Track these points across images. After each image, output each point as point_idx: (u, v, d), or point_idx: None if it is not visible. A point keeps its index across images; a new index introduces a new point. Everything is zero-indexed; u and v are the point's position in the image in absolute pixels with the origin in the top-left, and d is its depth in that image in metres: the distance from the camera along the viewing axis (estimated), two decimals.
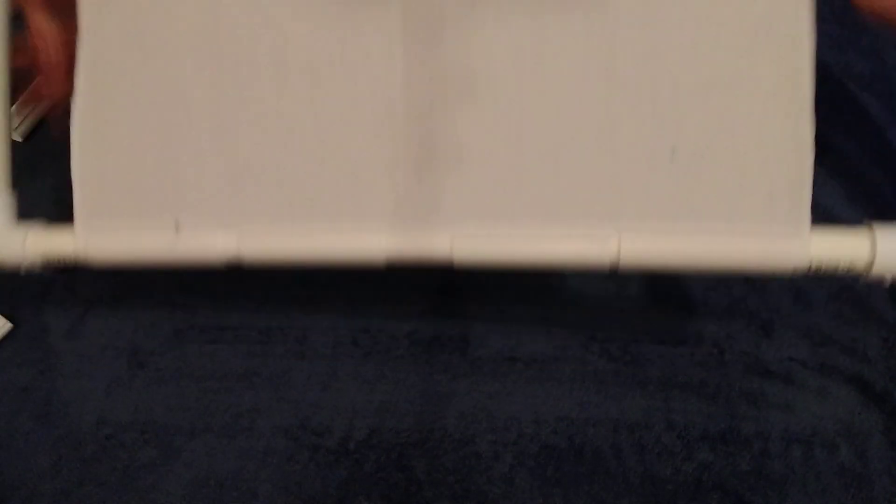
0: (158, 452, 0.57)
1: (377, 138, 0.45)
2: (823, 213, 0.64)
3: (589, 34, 0.42)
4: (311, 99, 0.45)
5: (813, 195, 0.64)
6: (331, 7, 0.44)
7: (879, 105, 0.71)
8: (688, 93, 0.41)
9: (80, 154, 0.51)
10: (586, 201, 0.43)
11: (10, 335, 0.65)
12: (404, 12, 0.43)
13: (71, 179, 0.74)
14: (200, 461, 0.57)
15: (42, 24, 0.52)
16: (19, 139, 0.78)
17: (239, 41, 0.46)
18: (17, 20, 0.58)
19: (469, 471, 0.54)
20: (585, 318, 0.62)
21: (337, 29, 0.44)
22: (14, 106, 0.78)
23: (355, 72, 0.45)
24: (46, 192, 0.74)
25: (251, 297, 0.65)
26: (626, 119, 0.42)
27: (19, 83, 0.55)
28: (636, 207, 0.42)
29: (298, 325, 0.63)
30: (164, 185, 0.48)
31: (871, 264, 0.40)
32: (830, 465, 0.53)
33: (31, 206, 0.74)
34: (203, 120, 0.47)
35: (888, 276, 0.42)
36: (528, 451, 0.55)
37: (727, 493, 0.52)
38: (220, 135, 0.47)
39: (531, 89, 0.43)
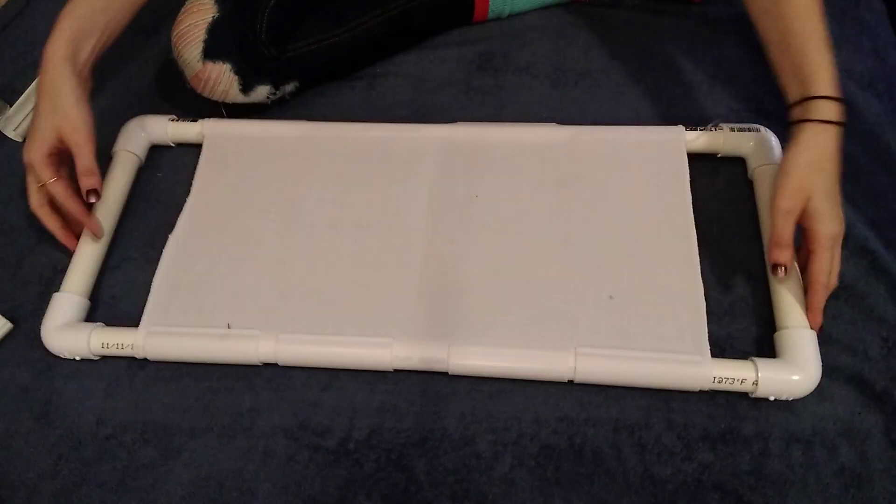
0: (158, 452, 0.57)
1: (399, 275, 0.62)
2: None
3: (553, 215, 0.64)
4: (354, 245, 0.65)
5: None
6: (374, 187, 0.68)
7: (879, 105, 0.71)
8: (619, 259, 0.61)
9: (163, 274, 0.65)
10: (550, 329, 0.58)
11: (10, 335, 0.65)
12: (430, 196, 0.66)
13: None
14: (200, 461, 0.57)
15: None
16: (19, 139, 0.78)
17: (306, 206, 0.67)
18: None
19: (469, 471, 0.54)
20: None
21: (379, 202, 0.67)
22: (14, 106, 0.78)
23: (390, 232, 0.65)
24: None
25: None
26: (578, 272, 0.61)
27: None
28: (586, 336, 0.58)
29: None
30: (223, 299, 0.63)
31: (756, 384, 0.54)
32: (830, 465, 0.53)
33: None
34: (267, 256, 0.65)
35: (770, 396, 0.54)
36: (528, 451, 0.55)
37: (727, 493, 0.52)
38: (277, 267, 0.64)
39: (512, 248, 0.63)
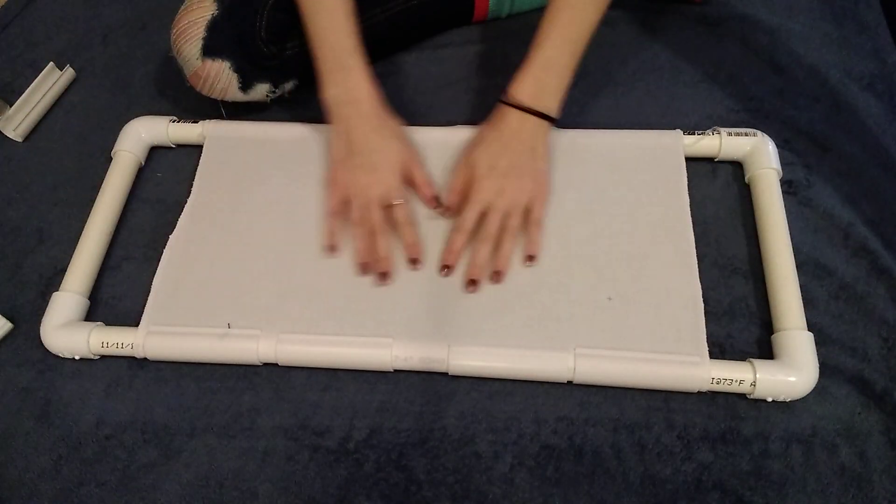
0: (158, 452, 0.57)
1: (399, 276, 0.62)
2: (823, 213, 0.64)
3: (552, 217, 0.64)
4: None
5: (813, 195, 0.64)
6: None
7: (879, 105, 0.71)
8: (618, 261, 0.62)
9: (163, 274, 0.65)
10: (549, 329, 0.59)
11: (10, 335, 0.65)
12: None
13: (69, 178, 0.75)
14: (200, 461, 0.56)
15: None
16: (19, 139, 0.78)
17: (306, 206, 0.67)
18: None
19: (469, 471, 0.54)
20: None
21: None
22: (14, 106, 0.78)
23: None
24: (46, 193, 0.74)
25: None
26: (577, 274, 0.62)
27: None
28: (586, 336, 0.58)
29: None
30: (223, 299, 0.63)
31: (754, 385, 0.54)
32: (830, 465, 0.53)
33: (31, 206, 0.74)
34: (267, 256, 0.65)
35: (768, 397, 0.55)
36: (528, 451, 0.55)
37: (727, 493, 0.52)
38: (277, 267, 0.64)
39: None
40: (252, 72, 0.69)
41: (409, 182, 0.65)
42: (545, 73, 0.61)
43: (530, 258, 0.61)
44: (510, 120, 0.62)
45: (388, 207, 0.62)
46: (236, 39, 0.68)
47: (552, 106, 0.62)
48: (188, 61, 0.68)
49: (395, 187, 0.63)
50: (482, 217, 0.61)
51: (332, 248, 0.64)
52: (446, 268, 0.61)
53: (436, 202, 0.64)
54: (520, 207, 0.61)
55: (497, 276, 0.60)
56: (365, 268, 0.62)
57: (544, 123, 0.62)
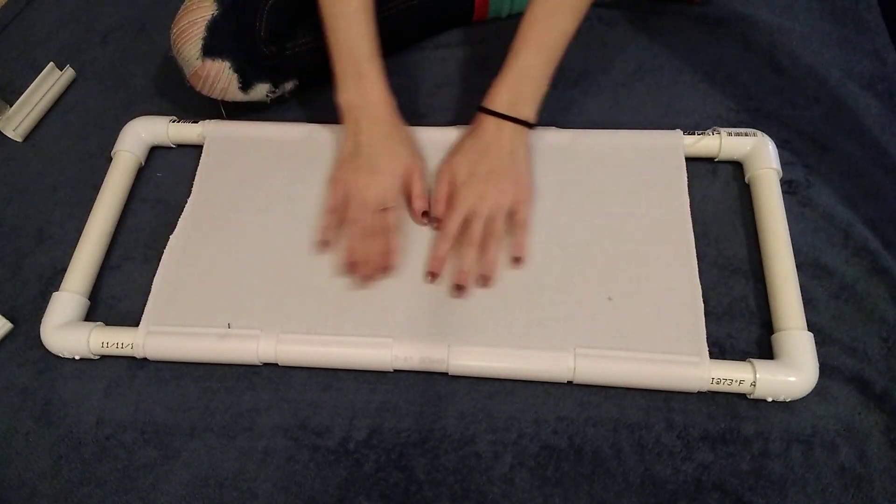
0: (158, 452, 0.57)
1: (399, 276, 0.62)
2: (823, 213, 0.64)
3: (552, 218, 0.64)
4: None
5: (813, 195, 0.64)
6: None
7: (879, 105, 0.71)
8: (618, 261, 0.62)
9: (163, 274, 0.65)
10: (549, 329, 0.59)
11: (10, 335, 0.65)
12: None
13: (69, 179, 0.74)
14: (200, 461, 0.56)
15: None
16: (19, 139, 0.78)
17: (306, 206, 0.67)
18: None
19: (469, 471, 0.54)
20: None
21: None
22: (14, 106, 0.78)
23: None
24: (46, 193, 0.74)
25: None
26: (577, 274, 0.61)
27: None
28: (585, 337, 0.58)
29: None
30: (223, 299, 0.63)
31: (754, 386, 0.54)
32: (830, 465, 0.53)
33: (31, 206, 0.74)
34: (267, 256, 0.65)
35: (768, 397, 0.55)
36: (528, 451, 0.55)
37: (727, 493, 0.52)
38: (277, 267, 0.64)
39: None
40: (252, 72, 0.69)
41: (407, 191, 0.65)
42: (521, 82, 0.62)
43: (517, 260, 0.61)
44: (487, 126, 0.63)
45: (383, 210, 0.62)
46: (236, 39, 0.68)
47: (529, 113, 0.63)
48: (188, 61, 0.68)
49: (391, 191, 0.63)
50: (466, 223, 0.61)
51: (324, 244, 0.64)
52: (431, 274, 0.61)
53: (425, 217, 0.64)
54: (503, 211, 0.61)
55: (484, 280, 0.60)
56: (351, 267, 0.62)
57: (522, 129, 0.63)
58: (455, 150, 0.65)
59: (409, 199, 0.65)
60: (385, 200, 0.62)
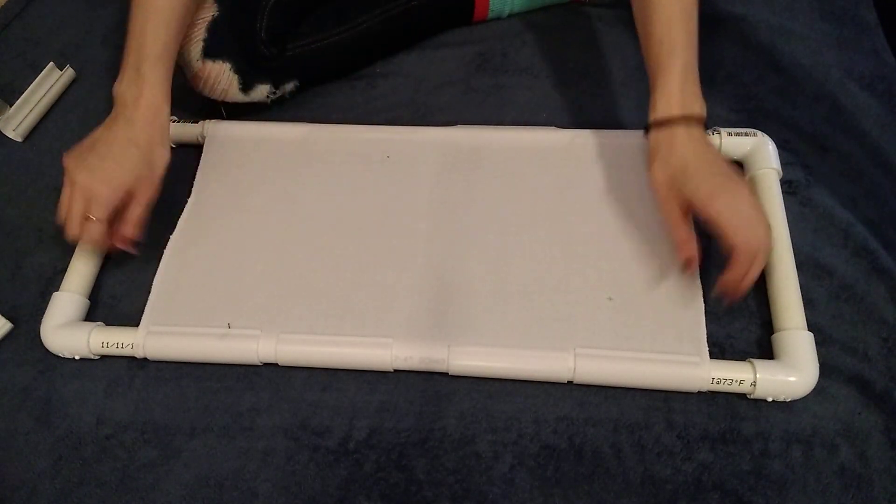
0: (158, 452, 0.57)
1: (399, 276, 0.62)
2: (823, 213, 0.64)
3: (552, 217, 0.64)
4: (354, 246, 0.65)
5: (813, 195, 0.64)
6: (374, 189, 0.68)
7: (879, 105, 0.71)
8: (618, 261, 0.61)
9: (163, 274, 0.65)
10: (549, 329, 0.59)
11: (10, 335, 0.65)
12: (429, 197, 0.67)
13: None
14: (200, 461, 0.56)
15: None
16: (19, 139, 0.78)
17: (306, 206, 0.67)
18: None
19: (469, 471, 0.54)
20: None
21: (379, 203, 0.67)
22: (14, 106, 0.78)
23: (390, 232, 0.65)
24: (46, 193, 0.74)
25: None
26: (577, 274, 0.61)
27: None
28: (585, 336, 0.58)
29: None
30: (223, 299, 0.62)
31: (754, 386, 0.54)
32: (830, 465, 0.53)
33: (31, 206, 0.74)
34: (267, 256, 0.65)
35: (768, 397, 0.55)
36: (528, 451, 0.55)
37: (727, 493, 0.52)
38: (277, 267, 0.64)
39: (513, 253, 0.63)
40: (253, 73, 0.70)
41: (123, 208, 0.60)
42: (685, 82, 0.58)
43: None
44: (681, 137, 0.57)
45: (86, 218, 0.58)
46: (237, 41, 0.68)
47: (701, 110, 0.58)
48: (189, 63, 0.68)
49: (100, 203, 0.58)
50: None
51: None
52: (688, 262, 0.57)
53: (133, 246, 0.61)
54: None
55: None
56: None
57: (701, 126, 0.58)
58: (679, 178, 0.57)
59: (122, 218, 0.60)
60: (90, 209, 0.58)
